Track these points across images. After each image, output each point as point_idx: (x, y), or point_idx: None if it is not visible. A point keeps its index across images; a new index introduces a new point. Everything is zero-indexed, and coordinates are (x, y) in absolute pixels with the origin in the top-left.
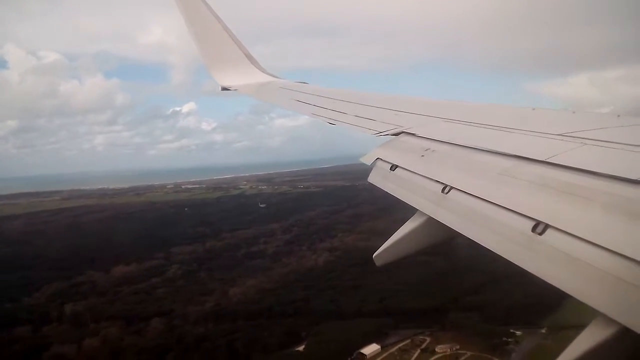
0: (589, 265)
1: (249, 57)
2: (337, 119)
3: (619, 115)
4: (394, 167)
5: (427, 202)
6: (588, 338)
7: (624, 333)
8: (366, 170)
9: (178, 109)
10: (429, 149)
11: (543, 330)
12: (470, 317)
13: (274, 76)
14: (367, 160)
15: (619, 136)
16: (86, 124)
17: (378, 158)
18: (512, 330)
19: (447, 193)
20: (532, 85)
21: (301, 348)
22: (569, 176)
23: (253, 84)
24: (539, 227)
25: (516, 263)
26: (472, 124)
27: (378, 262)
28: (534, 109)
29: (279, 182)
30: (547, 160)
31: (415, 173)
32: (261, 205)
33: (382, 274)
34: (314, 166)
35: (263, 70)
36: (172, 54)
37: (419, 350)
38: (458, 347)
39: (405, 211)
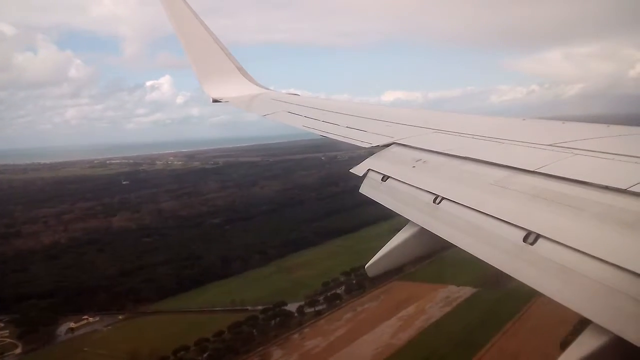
0: (580, 275)
1: (240, 70)
2: (328, 131)
3: (608, 126)
4: (385, 178)
5: (418, 213)
6: (580, 347)
7: (616, 342)
8: (306, 146)
9: (150, 82)
10: (421, 159)
11: (120, 317)
12: (36, 305)
13: (265, 88)
14: (359, 171)
15: (609, 146)
16: (51, 97)
17: (369, 169)
18: (85, 317)
19: (438, 203)
20: (508, 61)
21: None
22: (559, 186)
23: (244, 96)
24: (531, 237)
25: (508, 273)
26: (462, 134)
27: (370, 273)
28: (524, 119)
29: (204, 158)
30: (538, 171)
31: (407, 184)
32: (124, 182)
33: (99, 256)
34: (283, 140)
35: (254, 82)
36: (125, 25)
37: None
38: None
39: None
